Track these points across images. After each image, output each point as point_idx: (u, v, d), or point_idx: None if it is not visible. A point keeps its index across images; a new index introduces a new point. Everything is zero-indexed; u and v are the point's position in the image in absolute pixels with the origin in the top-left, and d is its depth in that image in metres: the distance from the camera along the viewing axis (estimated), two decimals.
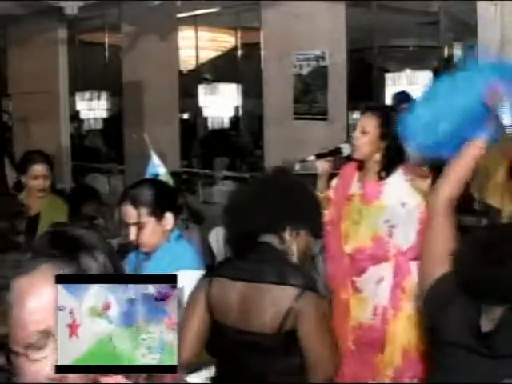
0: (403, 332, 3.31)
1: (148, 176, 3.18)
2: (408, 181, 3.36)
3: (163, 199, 2.79)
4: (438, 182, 2.40)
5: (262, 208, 2.30)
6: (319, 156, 3.58)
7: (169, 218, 2.78)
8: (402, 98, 5.88)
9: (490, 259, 1.92)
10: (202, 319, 2.30)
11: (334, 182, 3.61)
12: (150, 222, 2.74)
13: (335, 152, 3.58)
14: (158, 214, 2.75)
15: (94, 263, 1.33)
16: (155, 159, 3.30)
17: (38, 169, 4.01)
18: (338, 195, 3.54)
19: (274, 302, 2.19)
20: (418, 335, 3.32)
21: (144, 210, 2.73)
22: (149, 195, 2.75)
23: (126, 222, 2.76)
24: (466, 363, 1.98)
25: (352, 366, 3.39)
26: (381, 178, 3.39)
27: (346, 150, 3.56)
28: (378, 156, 3.38)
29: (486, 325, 1.94)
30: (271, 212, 2.29)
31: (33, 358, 1.18)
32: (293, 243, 2.34)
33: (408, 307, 3.29)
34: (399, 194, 3.33)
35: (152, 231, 2.74)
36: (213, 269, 2.44)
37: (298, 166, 3.59)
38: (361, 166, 3.48)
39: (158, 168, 3.26)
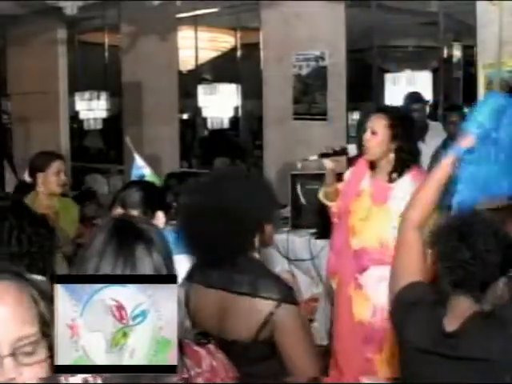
0: None
1: (133, 178, 3.19)
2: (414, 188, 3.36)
3: (152, 199, 2.82)
4: (405, 205, 2.42)
5: (229, 229, 2.22)
6: (323, 156, 3.58)
7: (160, 216, 2.80)
8: (414, 98, 5.86)
9: (465, 246, 1.93)
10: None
11: (346, 175, 3.61)
12: None
13: (341, 153, 3.58)
14: (148, 214, 2.78)
15: (147, 258, 1.36)
16: (139, 161, 3.30)
17: (60, 164, 4.13)
18: (349, 189, 3.55)
19: (248, 314, 2.18)
20: None
21: (134, 212, 2.75)
22: (137, 197, 2.78)
23: None
24: (427, 367, 1.99)
25: (353, 362, 3.40)
26: (391, 180, 3.40)
27: (352, 151, 3.57)
28: (391, 156, 3.39)
29: (452, 324, 1.95)
30: (240, 231, 2.24)
31: (23, 363, 1.15)
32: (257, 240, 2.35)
33: None
34: (404, 199, 3.33)
35: None
36: (189, 275, 2.42)
37: (299, 165, 3.61)
38: (372, 163, 3.48)
39: (142, 169, 3.26)
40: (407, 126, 3.45)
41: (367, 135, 3.41)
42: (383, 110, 3.55)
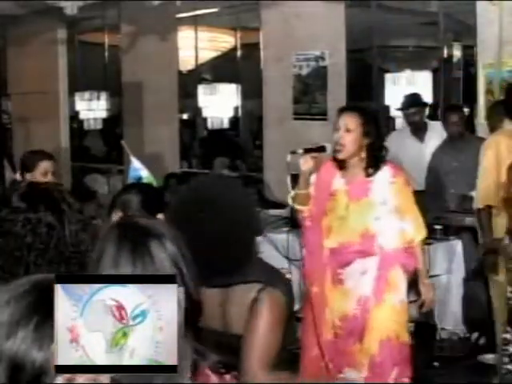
0: (384, 322, 3.39)
1: (131, 180, 3.18)
2: (394, 183, 3.46)
3: (152, 201, 2.80)
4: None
5: (229, 252, 2.12)
6: (307, 150, 3.57)
7: (160, 219, 2.79)
8: (412, 100, 5.85)
9: None
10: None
11: (312, 179, 3.60)
12: None
13: (320, 149, 3.58)
14: (148, 217, 2.76)
15: (163, 253, 1.35)
16: (136, 163, 3.29)
17: (48, 164, 4.05)
18: (319, 191, 3.57)
19: (243, 302, 2.12)
20: (401, 326, 3.44)
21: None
22: (137, 200, 2.76)
23: None
24: None
25: (331, 356, 3.43)
26: (368, 175, 3.47)
27: (329, 148, 3.58)
28: (363, 154, 3.45)
29: None
30: (241, 249, 2.15)
31: None
32: None
33: (391, 298, 3.41)
34: (384, 191, 3.45)
35: None
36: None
37: (289, 158, 3.59)
38: (341, 163, 3.51)
39: (139, 171, 3.25)
40: (377, 123, 3.57)
41: (341, 133, 3.43)
42: (356, 109, 3.60)
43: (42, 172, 4.01)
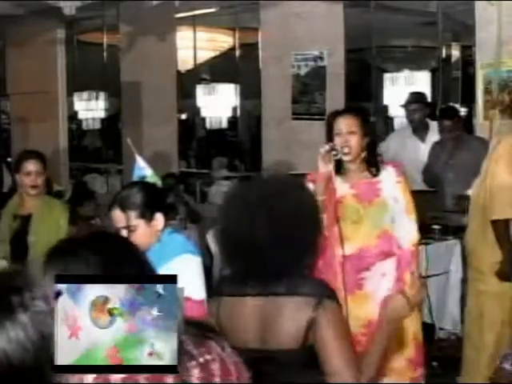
0: (409, 323, 3.31)
1: (135, 179, 3.18)
2: (399, 182, 3.46)
3: (152, 200, 2.79)
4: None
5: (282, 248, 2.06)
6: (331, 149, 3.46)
7: (159, 218, 2.78)
8: (415, 98, 5.85)
9: None
10: None
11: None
12: (139, 224, 2.74)
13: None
14: (147, 215, 2.75)
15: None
16: (140, 161, 3.28)
17: (30, 165, 3.97)
18: (327, 200, 3.47)
19: (290, 316, 2.03)
20: (420, 326, 3.48)
21: (133, 214, 2.74)
22: (136, 198, 2.76)
23: (116, 227, 2.76)
24: None
25: None
26: (374, 175, 3.46)
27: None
28: (363, 154, 3.45)
29: None
30: (293, 251, 2.08)
31: None
32: None
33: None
34: (393, 190, 3.45)
35: (143, 233, 2.74)
36: (217, 289, 2.26)
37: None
38: (338, 168, 3.44)
39: (144, 170, 3.25)
40: (371, 123, 3.67)
41: (346, 136, 3.40)
42: (353, 110, 3.59)
43: (26, 172, 3.96)
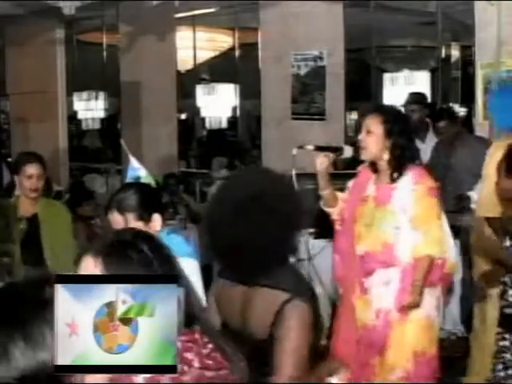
0: (408, 338, 3.30)
1: (129, 180, 3.16)
2: (414, 191, 3.32)
3: (148, 202, 2.78)
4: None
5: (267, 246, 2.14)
6: (318, 148, 3.55)
7: (157, 219, 2.77)
8: (415, 98, 5.84)
9: None
10: (213, 320, 2.24)
11: (349, 184, 3.59)
12: (137, 226, 2.73)
13: (335, 150, 3.56)
14: (145, 217, 2.74)
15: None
16: (134, 162, 3.27)
17: (31, 168, 3.98)
18: (353, 196, 3.51)
19: (266, 307, 2.13)
20: (428, 341, 3.34)
21: (131, 216, 2.73)
22: (133, 200, 2.74)
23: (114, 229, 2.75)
24: None
25: (351, 367, 3.38)
26: (393, 180, 3.37)
27: (347, 152, 3.55)
28: (386, 155, 3.36)
29: None
30: (279, 246, 2.17)
31: None
32: None
33: (415, 313, 3.29)
34: (405, 199, 3.33)
35: None
36: (219, 273, 2.39)
37: (295, 151, 3.56)
38: (375, 168, 3.45)
39: (138, 171, 3.23)
40: (401, 122, 3.44)
41: (362, 135, 3.41)
42: (377, 109, 3.56)
43: (27, 176, 3.95)
